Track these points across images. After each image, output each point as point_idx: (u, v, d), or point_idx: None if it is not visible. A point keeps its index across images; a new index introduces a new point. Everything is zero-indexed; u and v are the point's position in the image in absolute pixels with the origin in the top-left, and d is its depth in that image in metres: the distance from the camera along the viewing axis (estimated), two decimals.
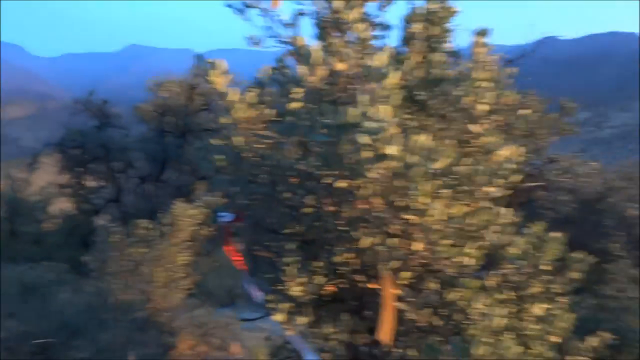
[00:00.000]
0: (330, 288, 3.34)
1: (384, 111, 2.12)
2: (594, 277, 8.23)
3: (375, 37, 3.56)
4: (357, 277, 3.11)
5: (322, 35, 3.24)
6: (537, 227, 3.43)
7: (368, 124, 2.09)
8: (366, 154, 2.13)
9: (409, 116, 3.51)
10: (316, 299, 3.29)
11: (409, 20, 3.64)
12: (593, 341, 3.41)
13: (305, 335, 3.25)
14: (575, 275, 3.39)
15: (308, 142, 2.45)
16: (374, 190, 2.31)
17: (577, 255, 3.39)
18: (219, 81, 2.79)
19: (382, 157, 2.13)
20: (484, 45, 3.46)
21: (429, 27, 3.51)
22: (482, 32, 3.42)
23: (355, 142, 2.12)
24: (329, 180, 2.41)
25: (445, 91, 3.21)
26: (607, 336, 3.49)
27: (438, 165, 2.31)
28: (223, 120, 2.85)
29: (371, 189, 2.31)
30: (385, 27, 3.68)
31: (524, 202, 11.09)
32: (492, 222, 3.25)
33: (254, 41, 3.05)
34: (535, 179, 11.05)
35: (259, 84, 2.73)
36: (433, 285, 3.20)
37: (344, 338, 3.32)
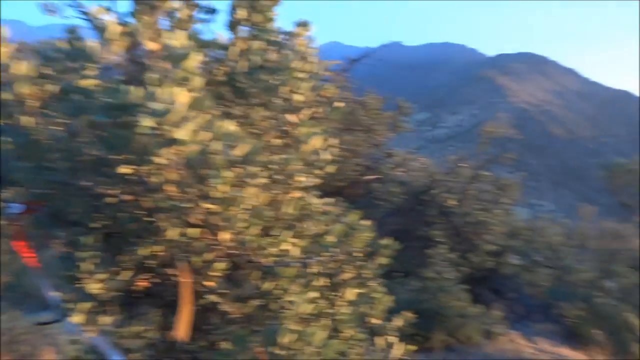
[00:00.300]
0: (142, 283, 3.13)
1: (176, 93, 1.99)
2: (419, 261, 9.07)
3: (198, 19, 3.42)
4: (169, 271, 2.94)
5: (136, 12, 3.00)
6: (352, 216, 3.60)
7: (152, 105, 1.94)
8: (151, 138, 1.98)
9: (230, 103, 3.43)
10: (125, 296, 3.05)
11: (234, 6, 3.55)
12: (398, 321, 3.67)
13: (112, 336, 3.00)
14: (383, 260, 3.62)
15: (96, 123, 2.22)
16: (168, 177, 2.17)
17: (385, 241, 3.61)
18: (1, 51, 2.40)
19: (172, 141, 2.00)
20: (305, 37, 3.52)
21: (252, 14, 3.46)
22: (303, 24, 3.47)
23: (138, 125, 1.95)
24: (119, 167, 2.21)
25: (264, 80, 3.19)
26: (410, 315, 3.79)
27: (237, 152, 2.26)
28: (5, 96, 2.46)
29: (163, 176, 2.17)
30: (211, 10, 3.55)
31: (363, 194, 11.81)
32: (309, 210, 3.33)
33: (49, 9, 2.70)
34: (372, 172, 11.82)
35: (46, 57, 2.40)
36: (251, 275, 3.17)
37: (155, 335, 3.14)
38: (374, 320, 3.83)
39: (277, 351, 2.60)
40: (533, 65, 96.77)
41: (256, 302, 3.09)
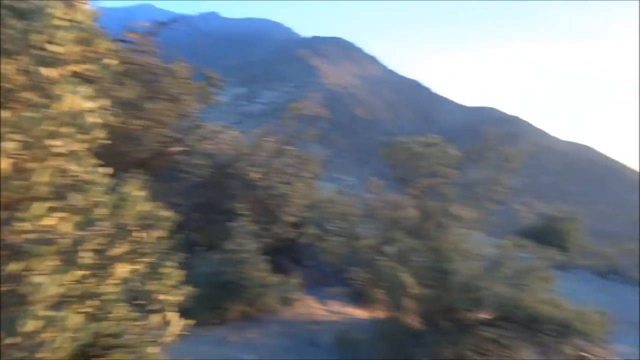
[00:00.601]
0: None
1: None
2: (223, 234, 9.02)
3: None
4: None
5: None
6: (128, 187, 3.30)
7: None
8: None
9: None
10: None
11: None
12: (177, 296, 3.52)
13: None
14: (163, 233, 3.41)
15: None
16: None
17: (165, 213, 3.41)
18: None
19: None
20: None
21: None
22: None
23: None
24: None
25: (12, 24, 2.68)
26: (189, 289, 3.67)
27: None
28: None
29: None
30: None
31: (168, 166, 11.26)
32: (73, 180, 2.95)
33: None
34: (179, 143, 11.34)
35: None
36: None
37: None
38: (161, 297, 3.64)
39: (20, 342, 2.25)
40: (342, 49, 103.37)
41: (2, 286, 2.64)
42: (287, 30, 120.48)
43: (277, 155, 10.58)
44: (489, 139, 9.06)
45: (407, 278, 7.36)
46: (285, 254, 9.92)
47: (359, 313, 8.72)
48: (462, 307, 7.08)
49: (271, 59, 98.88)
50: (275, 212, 9.74)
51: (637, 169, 68.28)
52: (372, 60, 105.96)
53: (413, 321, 7.35)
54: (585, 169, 70.16)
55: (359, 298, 9.05)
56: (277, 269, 8.88)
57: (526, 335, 6.91)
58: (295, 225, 9.99)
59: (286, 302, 8.36)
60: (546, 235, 17.32)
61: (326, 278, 9.84)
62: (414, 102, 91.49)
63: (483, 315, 7.19)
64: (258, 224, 9.26)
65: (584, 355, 6.92)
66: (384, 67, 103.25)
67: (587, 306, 7.03)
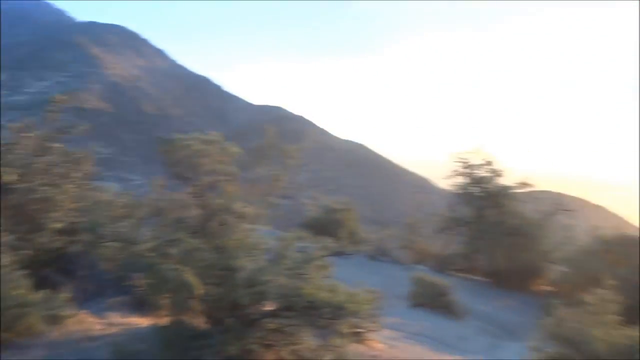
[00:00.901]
0: None
1: None
2: None
3: None
4: None
5: None
6: None
7: None
8: None
9: None
10: None
11: None
12: None
13: None
14: None
15: None
16: None
17: None
18: None
19: None
20: None
21: None
22: None
23: None
24: None
25: None
26: None
27: None
28: None
29: None
30: None
31: None
32: None
33: None
34: None
35: None
36: None
37: None
38: None
39: None
40: (125, 39, 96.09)
41: None
42: (58, 12, 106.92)
43: (40, 153, 9.24)
44: (271, 136, 9.37)
45: (192, 279, 7.14)
46: (53, 266, 8.74)
47: (142, 322, 8.17)
48: (247, 302, 7.16)
49: (39, 43, 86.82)
50: (38, 218, 8.49)
51: (401, 164, 79.68)
52: (160, 53, 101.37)
53: (198, 323, 7.18)
54: (361, 164, 78.84)
55: (141, 306, 8.48)
56: (43, 284, 7.76)
57: (307, 321, 7.33)
58: (64, 232, 8.87)
59: (54, 320, 7.35)
60: (327, 225, 18.88)
61: (104, 288, 8.98)
62: (204, 99, 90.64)
63: (267, 308, 7.40)
64: (15, 234, 7.96)
65: (357, 331, 7.66)
66: (172, 62, 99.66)
67: (359, 287, 7.76)
